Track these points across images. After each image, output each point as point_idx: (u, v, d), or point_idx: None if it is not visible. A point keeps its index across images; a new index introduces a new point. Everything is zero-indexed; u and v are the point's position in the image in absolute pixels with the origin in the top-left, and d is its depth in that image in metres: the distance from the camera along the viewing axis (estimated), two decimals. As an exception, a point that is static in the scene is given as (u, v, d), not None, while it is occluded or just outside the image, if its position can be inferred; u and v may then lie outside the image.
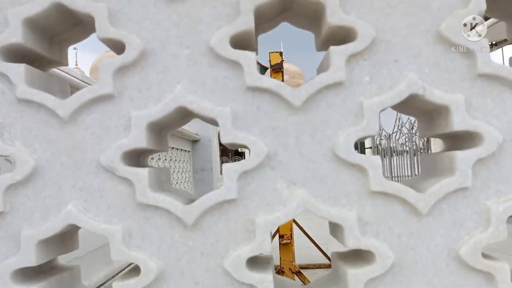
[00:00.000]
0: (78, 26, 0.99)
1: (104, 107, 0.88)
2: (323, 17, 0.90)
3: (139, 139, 0.87)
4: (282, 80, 4.95)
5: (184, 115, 0.95)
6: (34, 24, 0.89)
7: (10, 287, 0.86)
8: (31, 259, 0.86)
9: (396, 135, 15.93)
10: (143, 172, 0.87)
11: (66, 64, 1.05)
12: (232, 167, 0.86)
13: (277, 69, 5.01)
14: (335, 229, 0.94)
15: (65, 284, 0.98)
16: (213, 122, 0.89)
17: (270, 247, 0.86)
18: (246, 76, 0.87)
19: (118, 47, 0.92)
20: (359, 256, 0.95)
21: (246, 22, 0.87)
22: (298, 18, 0.99)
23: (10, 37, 0.87)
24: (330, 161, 0.88)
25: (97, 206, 0.88)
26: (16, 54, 0.90)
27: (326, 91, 0.88)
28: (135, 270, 0.94)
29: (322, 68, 0.94)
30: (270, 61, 5.05)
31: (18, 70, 0.87)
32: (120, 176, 0.87)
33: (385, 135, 17.02)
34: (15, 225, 0.88)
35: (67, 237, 0.99)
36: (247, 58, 0.87)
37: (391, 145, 15.77)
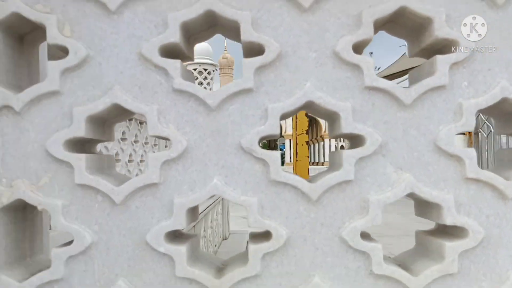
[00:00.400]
0: (212, 28, 1.14)
1: (244, 99, 1.03)
2: (427, 30, 1.05)
3: (274, 127, 1.02)
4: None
5: (302, 107, 1.10)
6: (186, 27, 1.04)
7: (164, 245, 1.01)
8: (182, 223, 1.01)
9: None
10: (277, 154, 1.02)
11: (193, 60, 1.20)
12: (351, 154, 1.01)
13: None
14: (427, 209, 1.09)
15: (194, 246, 1.14)
16: (334, 115, 1.04)
17: (380, 221, 1.01)
18: (366, 77, 1.02)
19: (253, 50, 1.07)
20: (444, 233, 1.11)
21: (367, 33, 1.01)
22: (398, 28, 1.14)
23: (170, 37, 1.02)
24: (432, 151, 1.03)
25: (235, 182, 1.03)
26: (168, 51, 1.05)
27: (431, 92, 1.03)
28: (259, 236, 1.09)
29: (423, 71, 1.09)
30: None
31: (175, 65, 1.02)
32: (256, 157, 1.02)
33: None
34: (166, 195, 1.03)
35: (193, 209, 1.14)
36: (367, 62, 1.02)
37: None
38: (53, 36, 1.01)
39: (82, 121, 1.01)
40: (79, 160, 1.01)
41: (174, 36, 1.02)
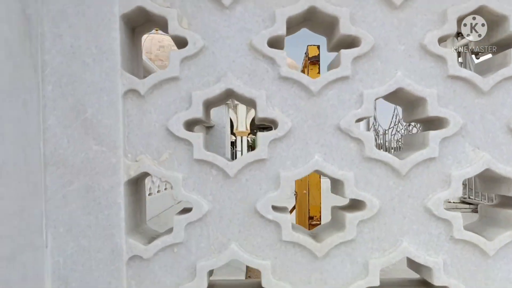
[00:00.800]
0: (303, 22, 1.25)
1: (341, 85, 1.14)
2: (501, 26, 1.17)
3: (369, 110, 1.13)
4: (319, 72, 5.22)
5: (393, 93, 1.21)
6: (289, 21, 1.15)
7: (272, 213, 1.13)
8: (287, 194, 1.13)
9: (392, 130, 16.23)
10: (371, 134, 1.14)
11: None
12: (437, 134, 1.13)
13: (314, 61, 5.29)
14: (495, 184, 1.22)
15: (287, 218, 1.25)
16: (420, 101, 1.16)
17: (461, 193, 1.14)
18: (450, 67, 1.13)
19: (344, 42, 1.18)
20: (508, 205, 1.23)
21: (452, 28, 1.13)
22: (470, 25, 1.25)
23: (278, 30, 1.12)
24: (505, 133, 1.15)
25: (333, 158, 1.15)
26: (273, 42, 1.16)
27: (505, 81, 1.14)
28: (346, 208, 1.21)
29: (493, 63, 1.21)
30: (307, 53, 5.32)
31: (282, 55, 1.13)
32: (352, 136, 1.14)
33: (380, 130, 17.27)
34: (272, 170, 1.14)
35: (286, 184, 1.25)
36: (450, 54, 1.13)
37: (387, 140, 16.07)
38: (174, 28, 1.12)
39: (200, 104, 1.12)
40: (198, 138, 1.12)
41: (281, 29, 1.13)
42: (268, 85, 1.14)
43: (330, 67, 1.23)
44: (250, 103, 1.19)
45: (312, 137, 1.15)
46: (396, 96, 1.22)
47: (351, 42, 1.17)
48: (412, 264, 1.23)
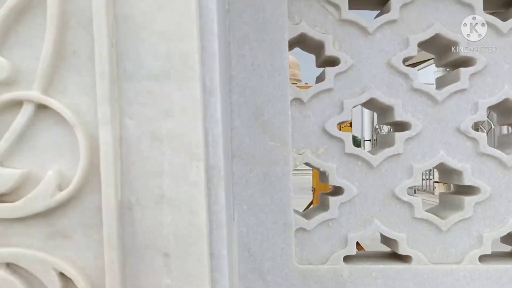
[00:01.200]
0: (423, 44, 1.53)
1: (461, 96, 1.43)
2: None
3: (483, 116, 1.42)
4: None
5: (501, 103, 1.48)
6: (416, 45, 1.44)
7: (406, 196, 1.41)
8: (419, 181, 1.41)
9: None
10: (484, 135, 1.42)
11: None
12: (536, 134, 1.42)
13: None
14: None
15: (408, 201, 1.53)
16: (521, 108, 1.45)
17: (555, 182, 1.42)
18: (546, 82, 1.42)
19: (458, 61, 1.47)
20: None
21: (548, 51, 1.42)
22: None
23: (411, 52, 1.41)
24: None
25: (453, 154, 1.43)
26: (404, 61, 1.45)
27: None
28: (454, 193, 1.50)
29: None
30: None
31: (414, 72, 1.42)
32: (469, 136, 1.42)
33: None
34: (405, 162, 1.43)
35: (405, 174, 1.54)
36: (547, 72, 1.42)
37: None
38: (330, 50, 1.41)
39: (350, 110, 1.41)
40: (348, 136, 1.41)
41: (414, 51, 1.42)
42: (402, 95, 1.43)
43: (445, 80, 1.51)
44: (384, 110, 1.48)
45: (436, 136, 1.43)
46: (500, 105, 1.50)
47: (464, 61, 1.46)
48: (507, 239, 1.51)
